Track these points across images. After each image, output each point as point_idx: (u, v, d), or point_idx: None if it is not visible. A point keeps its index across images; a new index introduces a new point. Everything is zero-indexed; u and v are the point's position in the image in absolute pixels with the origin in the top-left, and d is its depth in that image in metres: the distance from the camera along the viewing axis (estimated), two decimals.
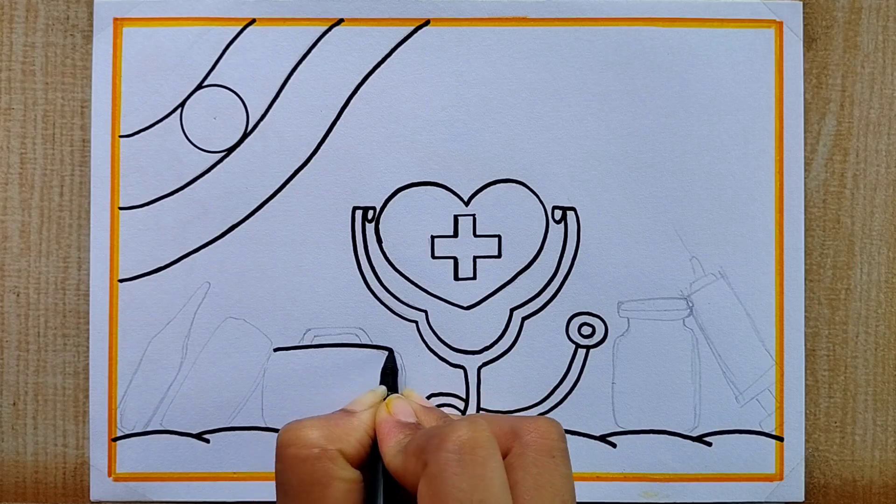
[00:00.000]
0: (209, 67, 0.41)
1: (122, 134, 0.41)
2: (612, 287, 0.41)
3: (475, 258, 0.41)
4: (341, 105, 0.41)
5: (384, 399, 0.37)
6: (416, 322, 0.41)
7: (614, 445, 0.41)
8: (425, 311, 0.41)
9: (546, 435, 0.32)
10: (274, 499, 0.41)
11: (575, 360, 0.41)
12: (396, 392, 0.39)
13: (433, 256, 0.41)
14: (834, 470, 0.42)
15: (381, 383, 0.40)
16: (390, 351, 0.41)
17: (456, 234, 0.41)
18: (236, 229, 0.41)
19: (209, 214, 0.41)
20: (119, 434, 0.41)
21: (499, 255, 0.41)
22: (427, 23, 0.41)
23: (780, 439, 0.41)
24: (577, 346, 0.41)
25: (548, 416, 0.40)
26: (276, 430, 0.41)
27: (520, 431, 0.32)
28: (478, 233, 0.41)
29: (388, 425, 0.35)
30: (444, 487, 0.29)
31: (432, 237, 0.41)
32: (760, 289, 0.41)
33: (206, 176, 0.41)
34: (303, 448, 0.32)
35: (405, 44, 0.41)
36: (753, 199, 0.41)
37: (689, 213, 0.41)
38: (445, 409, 0.41)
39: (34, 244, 0.42)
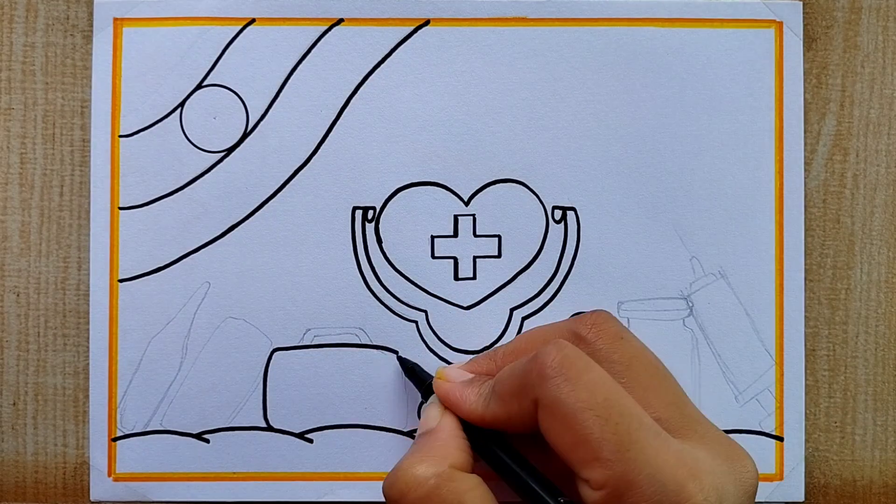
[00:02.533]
0: (209, 67, 0.41)
1: (121, 134, 0.41)
2: (612, 287, 0.41)
3: (475, 258, 0.41)
4: (341, 105, 0.41)
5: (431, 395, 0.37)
6: (416, 322, 0.41)
7: None
8: (425, 311, 0.41)
9: (604, 325, 0.34)
10: (274, 499, 0.41)
11: None
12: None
13: (433, 256, 0.41)
14: (834, 470, 0.42)
15: (417, 387, 0.39)
16: (397, 354, 0.41)
17: (456, 234, 0.41)
18: (236, 229, 0.41)
19: (209, 214, 0.41)
20: (119, 434, 0.41)
21: (499, 255, 0.41)
22: (427, 23, 0.41)
23: (780, 439, 0.41)
24: None
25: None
26: (276, 431, 0.41)
27: (580, 332, 0.34)
28: (478, 233, 0.41)
29: (457, 389, 0.35)
30: (568, 407, 0.30)
31: (432, 237, 0.41)
32: (760, 289, 0.41)
33: (206, 176, 0.41)
34: (419, 487, 0.32)
35: (405, 44, 0.41)
36: (753, 199, 0.41)
37: (689, 213, 0.41)
38: (467, 357, 0.40)
39: (34, 244, 0.42)
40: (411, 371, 0.40)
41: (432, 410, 0.36)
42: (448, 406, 0.35)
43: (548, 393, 0.31)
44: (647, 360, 0.34)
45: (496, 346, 0.40)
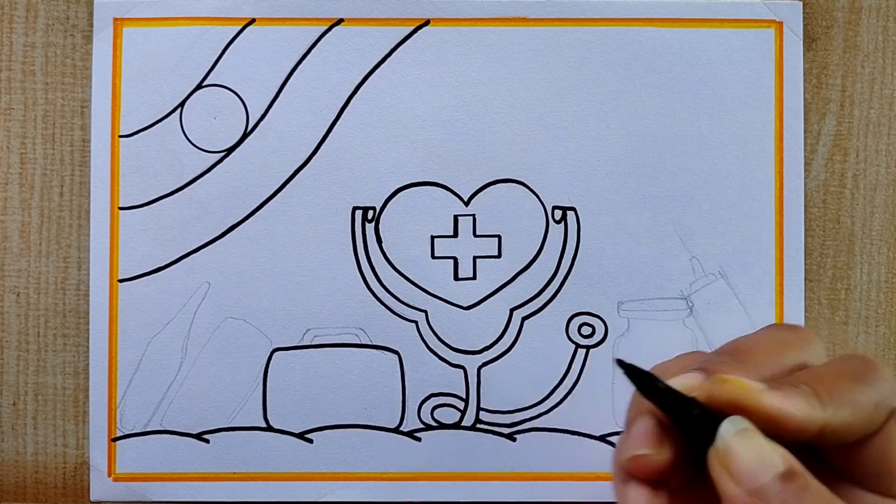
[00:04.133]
0: (209, 67, 0.41)
1: (121, 134, 0.41)
2: (612, 287, 0.41)
3: (475, 258, 0.41)
4: (341, 105, 0.41)
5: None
6: (416, 322, 0.41)
7: (614, 445, 0.41)
8: (425, 311, 0.41)
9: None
10: (274, 499, 0.41)
11: (575, 360, 0.41)
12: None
13: (433, 256, 0.41)
14: None
15: (676, 415, 0.26)
16: (622, 364, 0.28)
17: (456, 234, 0.41)
18: (236, 229, 0.41)
19: (209, 214, 0.41)
20: (119, 434, 0.41)
21: (499, 255, 0.41)
22: (427, 23, 0.41)
23: None
24: (577, 346, 0.41)
25: (553, 412, 0.37)
26: (276, 431, 0.41)
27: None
28: (478, 233, 0.41)
29: (774, 398, 0.25)
30: None
31: (432, 237, 0.41)
32: (760, 289, 0.41)
33: (206, 176, 0.41)
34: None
35: (405, 44, 0.41)
36: (753, 199, 0.41)
37: (689, 213, 0.41)
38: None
39: (34, 244, 0.42)
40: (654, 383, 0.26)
41: (763, 448, 0.24)
42: (769, 423, 0.25)
43: None
44: None
45: (735, 342, 0.29)
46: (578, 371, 0.41)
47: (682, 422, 0.25)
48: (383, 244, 0.41)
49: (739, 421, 0.24)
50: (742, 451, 0.24)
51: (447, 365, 0.41)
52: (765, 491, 0.23)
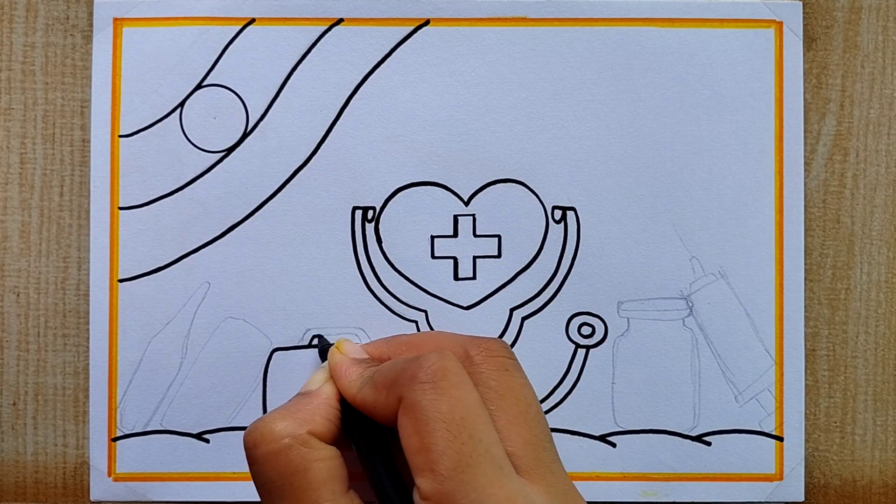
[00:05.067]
0: (209, 67, 0.41)
1: (121, 134, 0.41)
2: (612, 287, 0.41)
3: (475, 258, 0.41)
4: (341, 105, 0.41)
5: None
6: (416, 322, 0.41)
7: (614, 445, 0.41)
8: (425, 311, 0.41)
9: (496, 353, 0.34)
10: None
11: (575, 360, 0.41)
12: None
13: (433, 256, 0.41)
14: (834, 470, 0.42)
15: (320, 353, 0.40)
16: (320, 336, 0.41)
17: (456, 234, 0.41)
18: (236, 229, 0.41)
19: (209, 214, 0.41)
20: (119, 434, 0.41)
21: (499, 255, 0.41)
22: (427, 23, 0.41)
23: (780, 439, 0.41)
24: (577, 346, 0.41)
25: (553, 412, 0.40)
26: None
27: (471, 351, 0.34)
28: (478, 233, 0.41)
29: (345, 364, 0.35)
30: (424, 413, 0.31)
31: (432, 237, 0.41)
32: (760, 289, 0.41)
33: (206, 176, 0.41)
34: (273, 442, 0.32)
35: (405, 44, 0.41)
36: (753, 199, 0.41)
37: (689, 213, 0.41)
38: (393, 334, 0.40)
39: (34, 244, 0.42)
40: (325, 347, 0.39)
41: (318, 374, 0.36)
42: (333, 377, 0.35)
43: (412, 394, 0.31)
44: (522, 396, 0.33)
45: (399, 334, 0.39)
46: (578, 371, 0.41)
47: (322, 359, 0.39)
48: (383, 244, 0.41)
49: (325, 364, 0.37)
50: (313, 373, 0.37)
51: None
52: (294, 396, 0.36)
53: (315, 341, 0.41)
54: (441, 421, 0.30)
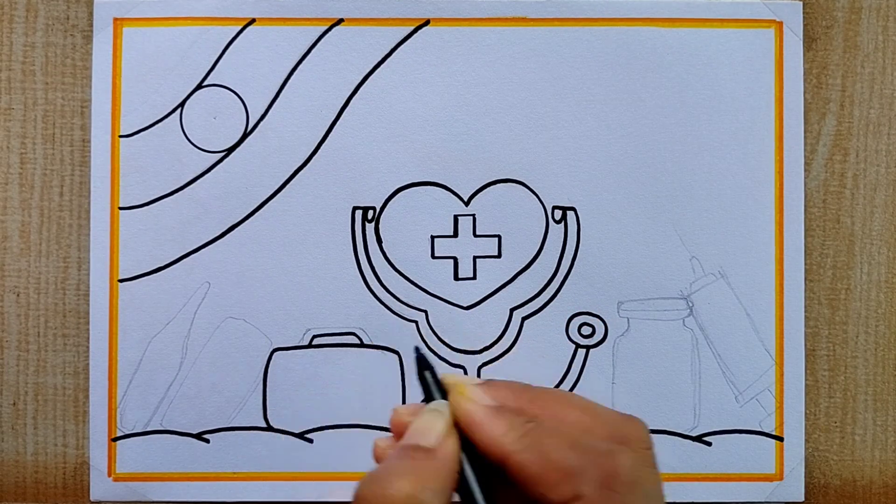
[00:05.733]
0: (209, 67, 0.41)
1: (121, 134, 0.41)
2: (612, 287, 0.41)
3: (475, 258, 0.41)
4: (341, 105, 0.41)
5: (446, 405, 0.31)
6: (416, 322, 0.41)
7: None
8: (425, 311, 0.41)
9: (647, 444, 0.30)
10: (274, 499, 0.41)
11: (575, 360, 0.41)
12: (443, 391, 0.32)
13: (433, 256, 0.41)
14: (834, 470, 0.42)
15: (426, 394, 0.31)
16: (417, 351, 0.32)
17: (456, 234, 0.41)
18: (236, 229, 0.41)
19: (209, 214, 0.41)
20: (119, 434, 0.41)
21: (499, 255, 0.41)
22: (427, 23, 0.41)
23: (780, 439, 0.41)
24: (577, 346, 0.41)
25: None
26: (276, 431, 0.41)
27: (629, 437, 0.30)
28: (478, 233, 0.41)
29: (482, 414, 0.30)
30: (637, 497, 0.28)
31: (432, 237, 0.41)
32: (760, 289, 0.41)
33: (206, 176, 0.41)
34: None
35: (405, 44, 0.41)
36: (753, 199, 0.41)
37: (689, 213, 0.41)
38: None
39: (34, 244, 0.42)
40: (427, 371, 0.32)
41: (436, 423, 0.30)
42: (465, 428, 0.30)
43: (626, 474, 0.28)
44: (660, 499, 0.30)
45: (525, 384, 0.32)
46: (578, 371, 0.41)
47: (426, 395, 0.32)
48: (383, 244, 0.41)
49: (440, 404, 0.31)
50: (425, 418, 0.30)
51: (447, 365, 0.41)
52: (409, 449, 0.30)
53: (413, 352, 0.33)
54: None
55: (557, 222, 0.41)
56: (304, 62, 0.41)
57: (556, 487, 0.28)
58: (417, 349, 0.32)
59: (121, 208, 0.41)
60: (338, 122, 0.41)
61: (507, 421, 0.30)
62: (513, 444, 0.29)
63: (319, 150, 0.41)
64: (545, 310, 0.41)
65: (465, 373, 0.41)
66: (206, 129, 0.41)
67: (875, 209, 0.42)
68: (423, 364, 0.32)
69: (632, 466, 0.28)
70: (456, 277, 0.41)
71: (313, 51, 0.41)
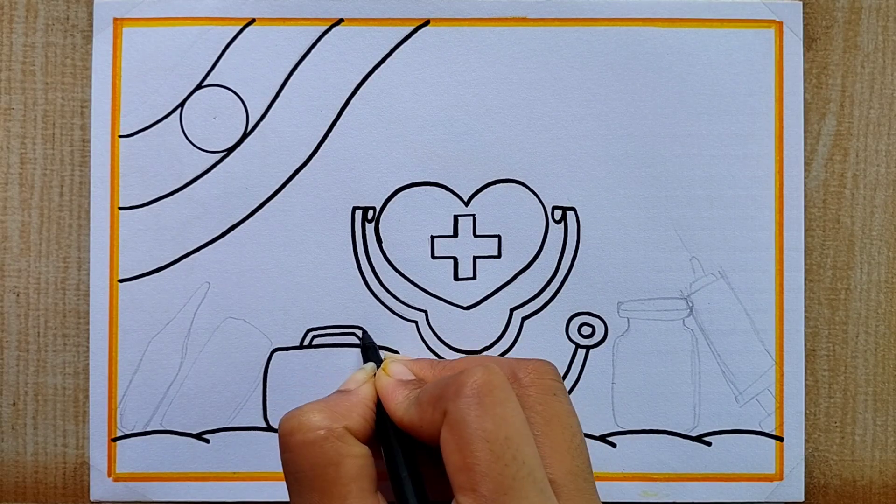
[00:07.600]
0: (209, 67, 0.41)
1: (121, 134, 0.41)
2: (612, 287, 0.41)
3: (475, 258, 0.41)
4: (341, 105, 0.41)
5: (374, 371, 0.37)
6: (415, 322, 0.41)
7: (614, 445, 0.41)
8: (425, 311, 0.41)
9: (544, 375, 0.33)
10: (274, 499, 0.41)
11: (575, 360, 0.41)
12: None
13: (433, 256, 0.41)
14: (834, 470, 0.42)
15: (365, 360, 0.40)
16: (363, 330, 0.41)
17: (456, 234, 0.41)
18: (236, 229, 0.41)
19: (209, 214, 0.41)
20: (119, 434, 0.41)
21: (499, 255, 0.41)
22: (427, 23, 0.41)
23: (780, 439, 0.41)
24: (577, 346, 0.41)
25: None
26: (276, 431, 0.41)
27: (518, 374, 0.33)
28: (478, 233, 0.41)
29: (391, 386, 0.35)
30: (469, 430, 0.30)
31: (432, 237, 0.41)
32: (760, 289, 0.41)
33: (206, 176, 0.41)
34: (309, 432, 0.32)
35: (405, 44, 0.41)
36: (753, 199, 0.41)
37: (689, 213, 0.41)
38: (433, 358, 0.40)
39: (34, 244, 0.42)
40: (368, 346, 0.40)
41: (359, 374, 0.37)
42: (382, 400, 0.35)
43: (457, 409, 0.30)
44: (568, 423, 0.33)
45: (444, 359, 0.39)
46: (578, 371, 0.41)
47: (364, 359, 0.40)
48: (383, 244, 0.41)
49: (368, 365, 0.38)
50: (355, 372, 0.37)
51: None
52: (333, 392, 0.36)
53: (359, 333, 0.41)
54: (485, 440, 0.30)
55: (557, 222, 0.41)
56: (303, 62, 0.41)
57: (430, 421, 0.32)
58: (364, 331, 0.41)
59: (121, 208, 0.41)
60: (338, 122, 0.41)
61: (405, 390, 0.35)
62: (401, 407, 0.34)
63: (319, 150, 0.41)
64: (545, 310, 0.41)
65: None
66: (206, 129, 0.41)
67: (875, 209, 0.42)
68: (365, 341, 0.40)
69: (481, 377, 0.31)
70: (456, 277, 0.41)
71: (313, 51, 0.41)
